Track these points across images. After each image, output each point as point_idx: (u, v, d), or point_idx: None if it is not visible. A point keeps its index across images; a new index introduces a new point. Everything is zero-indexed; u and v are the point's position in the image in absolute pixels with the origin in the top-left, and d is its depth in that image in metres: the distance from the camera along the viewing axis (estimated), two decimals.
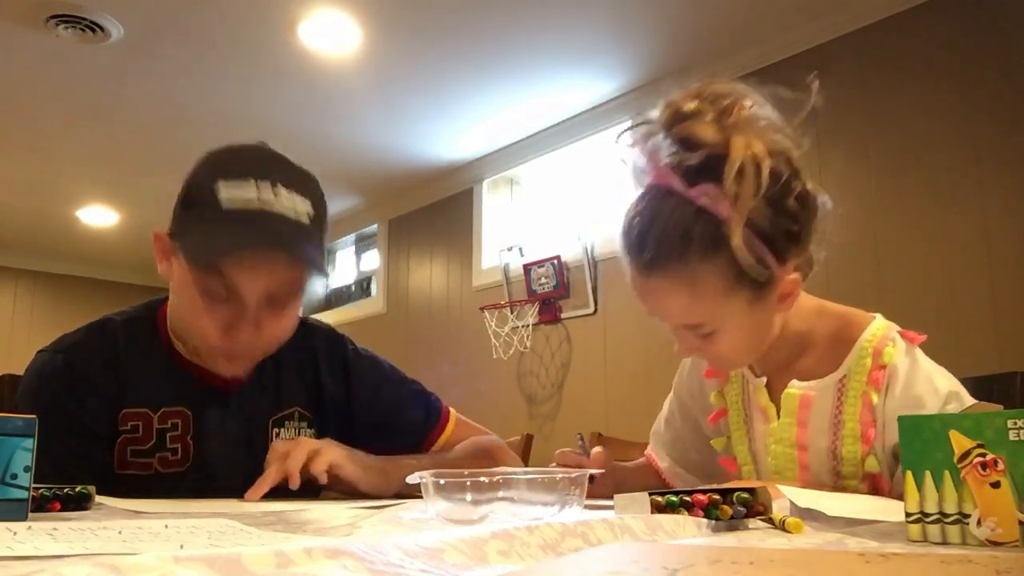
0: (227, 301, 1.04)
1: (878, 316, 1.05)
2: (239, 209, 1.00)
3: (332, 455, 1.06)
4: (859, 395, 1.00)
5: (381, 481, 1.11)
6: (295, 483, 1.01)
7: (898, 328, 1.03)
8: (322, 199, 1.10)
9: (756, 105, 0.94)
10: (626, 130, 1.00)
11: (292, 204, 1.04)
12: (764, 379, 1.09)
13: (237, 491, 1.11)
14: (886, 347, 1.00)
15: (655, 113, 0.97)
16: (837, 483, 1.02)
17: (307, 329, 1.27)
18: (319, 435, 1.24)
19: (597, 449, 1.17)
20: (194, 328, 1.08)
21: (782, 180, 0.91)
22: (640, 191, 0.98)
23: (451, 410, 1.36)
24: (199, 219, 1.03)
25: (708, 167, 0.90)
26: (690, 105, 0.94)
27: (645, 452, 1.32)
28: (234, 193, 1.01)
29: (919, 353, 1.01)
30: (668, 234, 0.92)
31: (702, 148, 0.91)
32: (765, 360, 1.09)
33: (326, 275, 1.09)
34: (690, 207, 0.91)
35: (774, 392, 1.08)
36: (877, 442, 0.99)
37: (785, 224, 0.93)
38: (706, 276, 0.93)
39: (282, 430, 1.22)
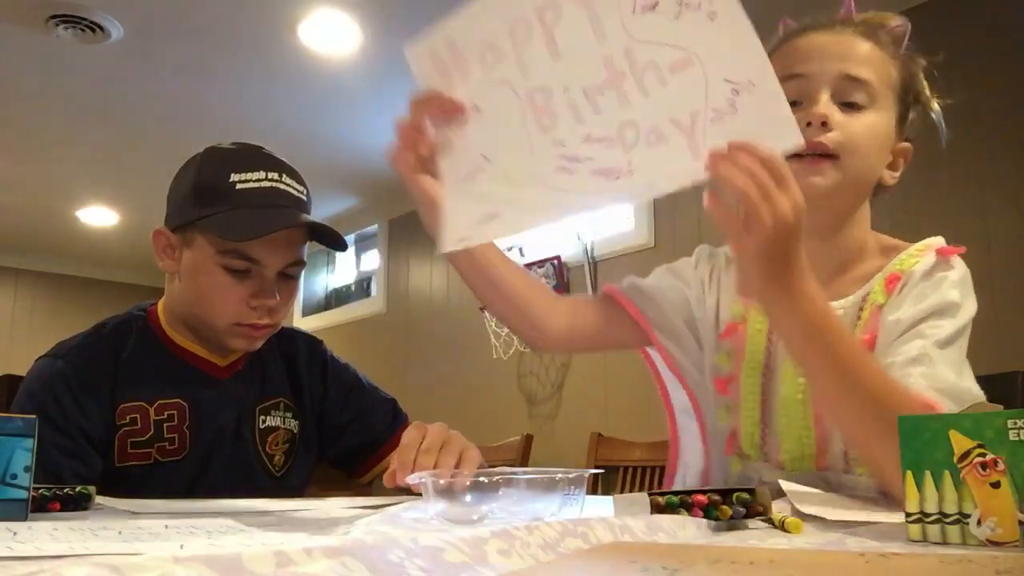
0: (249, 274, 1.17)
1: (929, 240, 1.01)
2: (255, 196, 1.16)
3: (477, 456, 1.04)
4: (871, 308, 0.95)
5: None
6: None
7: (939, 246, 0.99)
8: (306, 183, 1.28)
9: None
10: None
11: (293, 184, 1.21)
12: None
13: (230, 474, 1.21)
14: (910, 259, 0.97)
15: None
16: None
17: (288, 333, 1.37)
18: (301, 426, 1.33)
19: None
20: (216, 305, 1.18)
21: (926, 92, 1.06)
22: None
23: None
24: (221, 207, 1.15)
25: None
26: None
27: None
28: (249, 182, 1.17)
29: (950, 266, 0.96)
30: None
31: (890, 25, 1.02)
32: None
33: (335, 235, 1.22)
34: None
35: None
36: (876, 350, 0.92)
37: (916, 112, 1.04)
38: (888, 61, 0.99)
39: (268, 417, 1.29)
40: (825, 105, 0.93)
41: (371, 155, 4.32)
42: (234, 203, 1.15)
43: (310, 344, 1.39)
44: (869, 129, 0.95)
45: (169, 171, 1.28)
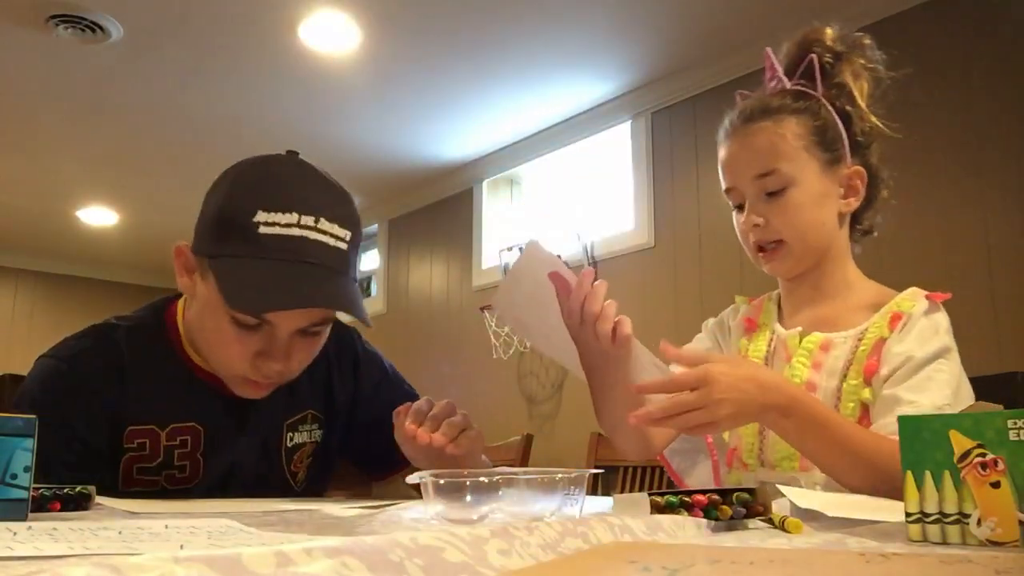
0: (259, 330, 1.02)
1: (913, 288, 1.14)
2: (280, 246, 0.98)
3: (478, 437, 1.07)
4: (873, 340, 1.08)
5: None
6: (437, 444, 1.01)
7: (925, 293, 1.12)
8: (358, 218, 1.08)
9: (869, 48, 1.19)
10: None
11: (332, 231, 1.01)
12: (798, 329, 1.15)
13: (248, 495, 1.12)
14: (907, 303, 1.10)
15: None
16: None
17: None
18: (327, 436, 1.25)
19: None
20: (220, 353, 1.06)
21: (859, 103, 1.15)
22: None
23: None
24: (237, 252, 0.99)
25: (811, 67, 1.16)
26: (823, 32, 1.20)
27: None
28: (275, 227, 0.98)
29: (940, 310, 1.10)
30: (766, 99, 1.15)
31: (815, 51, 1.17)
32: (799, 313, 1.17)
33: (359, 290, 1.10)
34: (789, 91, 1.16)
35: None
36: (875, 378, 1.05)
37: (858, 131, 1.15)
38: (790, 126, 1.12)
39: (295, 433, 1.20)
40: (751, 210, 1.12)
41: (371, 155, 4.33)
42: (253, 250, 0.97)
43: (340, 338, 1.26)
44: (795, 207, 1.11)
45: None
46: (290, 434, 1.19)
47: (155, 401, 1.09)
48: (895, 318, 1.09)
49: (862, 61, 1.18)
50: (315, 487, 1.26)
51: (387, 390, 1.30)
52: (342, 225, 1.03)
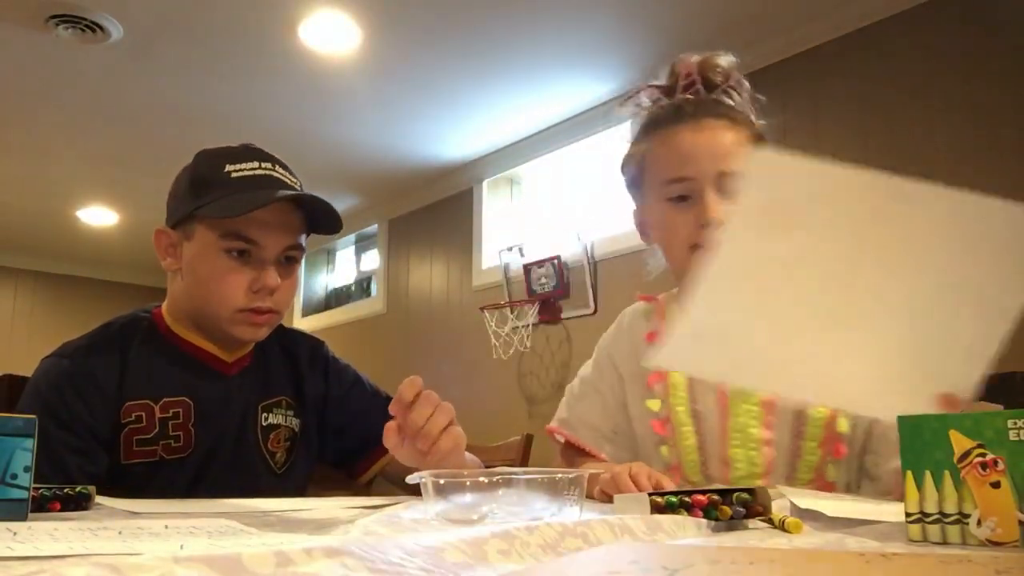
0: (249, 258, 1.18)
1: None
2: (250, 179, 1.19)
3: (461, 435, 1.06)
4: None
5: None
6: (426, 444, 1.00)
7: None
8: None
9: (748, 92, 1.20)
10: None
11: (287, 175, 1.24)
12: None
13: (232, 472, 1.22)
14: None
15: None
16: (797, 440, 1.05)
17: (290, 334, 1.39)
18: (303, 425, 1.33)
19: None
20: (220, 291, 1.18)
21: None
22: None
23: None
24: (217, 193, 1.17)
25: (725, 89, 1.16)
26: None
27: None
28: (244, 170, 1.20)
29: None
30: (712, 101, 1.15)
31: (717, 76, 1.17)
32: None
33: (330, 212, 1.22)
34: (723, 102, 1.15)
35: None
36: None
37: None
38: (744, 132, 1.12)
39: (270, 414, 1.29)
40: (714, 207, 1.07)
41: (371, 155, 4.33)
42: (229, 189, 1.17)
43: (312, 346, 1.40)
44: None
45: (169, 171, 1.28)
46: (265, 414, 1.29)
47: (149, 379, 1.21)
48: None
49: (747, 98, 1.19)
50: (296, 475, 1.32)
51: (359, 394, 1.39)
52: (292, 175, 1.25)
